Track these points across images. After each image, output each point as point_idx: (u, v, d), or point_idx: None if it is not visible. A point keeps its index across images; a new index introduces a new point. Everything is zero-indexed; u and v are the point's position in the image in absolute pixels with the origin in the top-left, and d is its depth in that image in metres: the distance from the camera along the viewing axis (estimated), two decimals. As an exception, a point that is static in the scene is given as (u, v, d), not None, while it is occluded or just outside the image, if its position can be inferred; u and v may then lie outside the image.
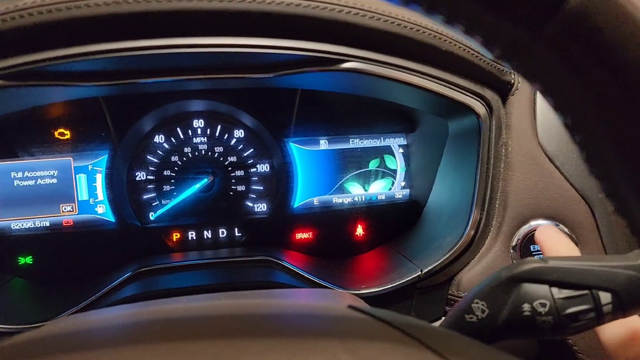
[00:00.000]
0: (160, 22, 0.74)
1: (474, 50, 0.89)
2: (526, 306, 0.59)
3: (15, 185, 1.09)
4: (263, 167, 1.17)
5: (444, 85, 0.89)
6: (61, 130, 1.09)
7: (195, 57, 0.81)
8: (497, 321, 0.60)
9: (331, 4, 0.76)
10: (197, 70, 0.89)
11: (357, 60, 0.82)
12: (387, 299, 0.95)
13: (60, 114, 1.07)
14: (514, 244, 0.95)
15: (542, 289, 0.59)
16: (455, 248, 0.95)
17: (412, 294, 0.97)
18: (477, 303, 0.62)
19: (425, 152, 1.19)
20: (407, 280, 0.94)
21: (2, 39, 0.71)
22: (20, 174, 1.09)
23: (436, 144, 1.12)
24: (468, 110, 0.94)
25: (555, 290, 0.59)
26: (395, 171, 1.23)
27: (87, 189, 1.12)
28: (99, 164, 1.11)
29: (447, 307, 0.97)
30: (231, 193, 1.17)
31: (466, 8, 0.31)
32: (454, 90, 0.90)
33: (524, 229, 0.96)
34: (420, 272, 0.94)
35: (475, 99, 0.93)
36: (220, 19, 0.74)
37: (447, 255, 0.95)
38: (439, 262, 0.95)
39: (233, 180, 1.17)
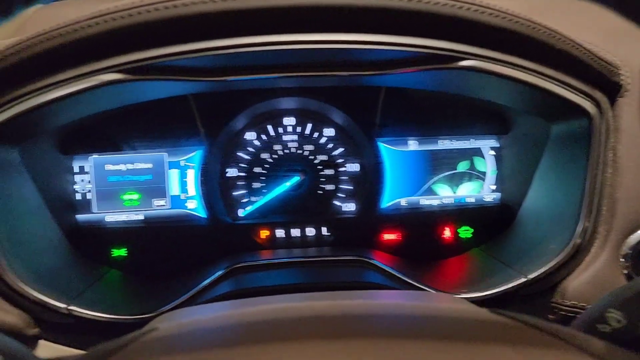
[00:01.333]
0: (271, 18, 0.74)
1: (586, 49, 0.86)
2: (671, 319, 0.55)
3: (110, 178, 1.11)
4: (353, 167, 1.16)
5: (558, 85, 0.86)
6: (157, 126, 1.11)
7: (308, 53, 0.81)
8: (635, 333, 0.57)
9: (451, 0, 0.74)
10: (303, 67, 0.88)
11: (474, 58, 0.79)
12: (487, 304, 0.92)
13: (158, 110, 1.08)
14: (623, 252, 0.91)
15: (690, 301, 0.56)
16: (562, 256, 0.91)
17: (514, 300, 0.93)
18: (611, 313, 0.59)
19: (519, 154, 1.15)
20: (511, 286, 0.91)
21: (119, 37, 0.73)
22: (116, 168, 1.11)
23: (534, 146, 1.08)
24: (578, 111, 0.90)
25: None
26: (484, 174, 1.20)
27: (179, 184, 1.14)
28: (191, 159, 1.13)
29: (550, 316, 0.93)
30: (320, 192, 1.17)
31: None
32: (567, 90, 0.87)
33: (635, 237, 0.91)
34: (525, 279, 0.91)
35: (587, 100, 0.89)
36: (338, 14, 0.74)
37: (553, 263, 0.91)
38: (545, 269, 0.91)
39: (322, 179, 1.16)
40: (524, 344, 0.43)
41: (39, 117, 0.84)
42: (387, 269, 0.99)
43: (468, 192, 1.20)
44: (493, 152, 1.19)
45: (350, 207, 1.17)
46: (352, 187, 1.17)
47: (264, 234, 1.16)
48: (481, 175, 1.20)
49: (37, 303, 0.85)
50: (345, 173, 1.17)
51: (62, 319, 0.87)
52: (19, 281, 0.84)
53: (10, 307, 0.85)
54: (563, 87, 0.87)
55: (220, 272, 0.99)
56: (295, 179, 1.14)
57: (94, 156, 1.11)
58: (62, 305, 0.86)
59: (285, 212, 1.16)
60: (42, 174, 1.01)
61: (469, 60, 0.80)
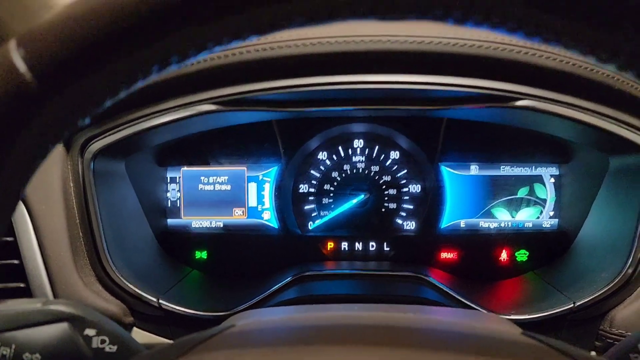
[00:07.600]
0: (349, 60, 0.84)
1: (644, 89, 0.90)
2: None
3: (199, 188, 1.26)
4: (415, 188, 1.24)
5: (614, 124, 0.90)
6: (241, 145, 1.24)
7: (379, 91, 0.90)
8: (667, 364, 0.61)
9: (509, 45, 0.81)
10: (375, 101, 0.98)
11: (531, 98, 0.86)
12: (535, 327, 0.97)
13: (243, 132, 1.21)
14: (676, 286, 0.94)
15: None
16: (612, 284, 0.95)
17: (562, 325, 0.98)
18: (644, 344, 0.63)
19: (579, 184, 1.18)
20: (558, 311, 0.96)
21: (216, 74, 0.86)
22: (204, 179, 1.25)
23: (593, 177, 1.12)
24: (636, 147, 0.94)
25: None
26: (544, 200, 1.24)
27: (256, 197, 1.26)
28: (268, 174, 1.25)
29: (597, 343, 0.97)
30: (383, 210, 1.25)
31: None
32: (625, 128, 0.91)
33: (687, 271, 0.93)
34: (572, 305, 0.96)
35: (643, 138, 0.93)
36: (407, 58, 0.83)
37: (603, 291, 0.95)
38: (593, 296, 0.95)
39: (386, 198, 1.25)
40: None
41: (144, 137, 0.99)
42: (442, 286, 1.07)
43: (527, 217, 1.24)
44: (553, 180, 1.24)
45: (410, 225, 1.26)
46: (413, 207, 1.25)
47: (330, 246, 1.26)
48: (540, 202, 1.24)
49: (133, 295, 0.99)
50: (407, 193, 1.25)
51: (153, 311, 1.01)
52: (120, 276, 0.98)
53: (111, 298, 1.00)
54: (621, 126, 0.91)
55: (288, 279, 1.10)
56: (361, 196, 1.24)
57: (184, 168, 1.25)
58: (154, 299, 0.99)
59: (350, 227, 1.26)
60: (141, 182, 1.16)
61: (526, 100, 0.86)
